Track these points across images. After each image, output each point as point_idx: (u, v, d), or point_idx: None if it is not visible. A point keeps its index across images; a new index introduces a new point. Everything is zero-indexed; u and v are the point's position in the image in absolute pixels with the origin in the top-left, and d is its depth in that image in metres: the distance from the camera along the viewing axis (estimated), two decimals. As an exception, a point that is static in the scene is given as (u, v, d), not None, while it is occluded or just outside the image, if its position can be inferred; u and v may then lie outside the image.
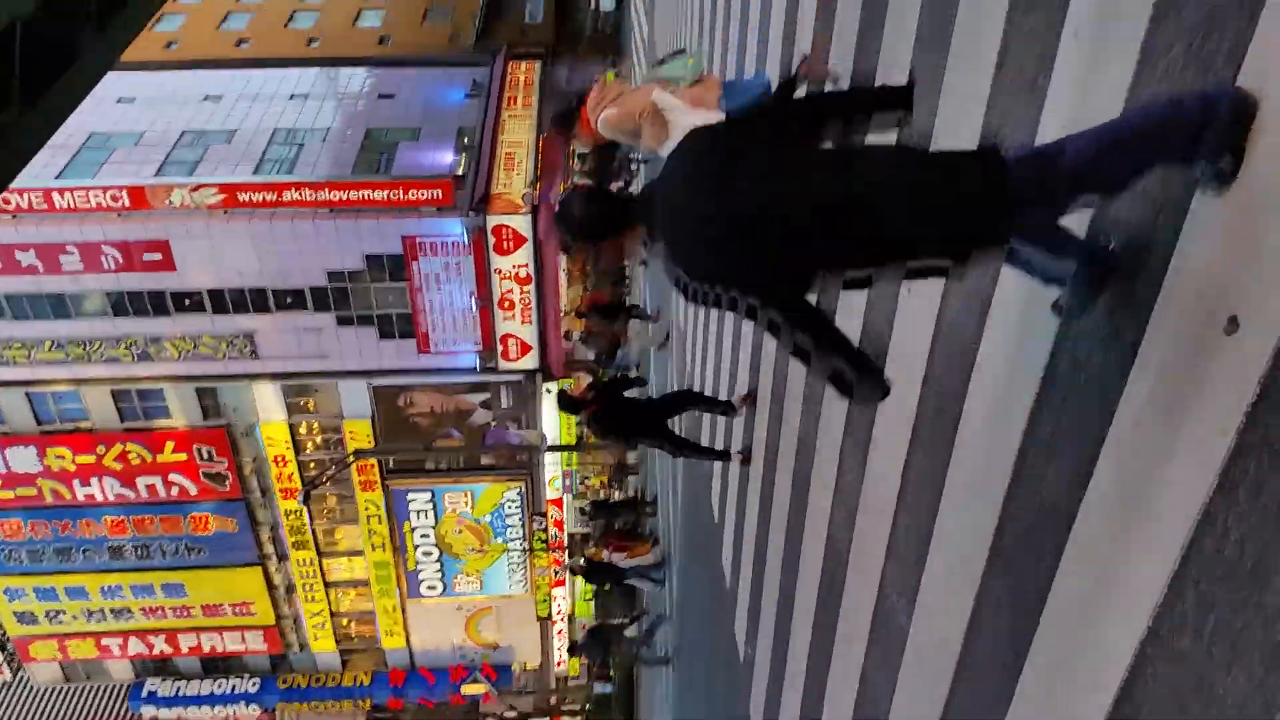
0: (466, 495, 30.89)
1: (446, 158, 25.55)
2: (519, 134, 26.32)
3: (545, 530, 31.63)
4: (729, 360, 8.00)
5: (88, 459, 28.07)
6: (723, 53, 8.44)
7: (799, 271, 2.25)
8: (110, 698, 35.14)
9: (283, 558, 31.39)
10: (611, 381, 9.12)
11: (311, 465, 28.82)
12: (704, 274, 2.32)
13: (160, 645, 33.43)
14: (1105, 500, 2.50)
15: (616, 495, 26.68)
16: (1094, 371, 2.59)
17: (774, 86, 4.51)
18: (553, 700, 36.15)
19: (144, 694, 34.23)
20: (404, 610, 33.25)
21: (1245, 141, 2.03)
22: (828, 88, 3.97)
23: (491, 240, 24.22)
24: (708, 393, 8.57)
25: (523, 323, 25.58)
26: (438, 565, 32.21)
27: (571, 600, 33.39)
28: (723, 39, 8.53)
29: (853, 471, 4.65)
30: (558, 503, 31.36)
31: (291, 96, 27.76)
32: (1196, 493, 2.12)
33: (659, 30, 16.26)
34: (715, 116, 3.88)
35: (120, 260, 24.13)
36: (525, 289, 25.08)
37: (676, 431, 8.08)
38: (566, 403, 8.19)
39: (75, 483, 28.52)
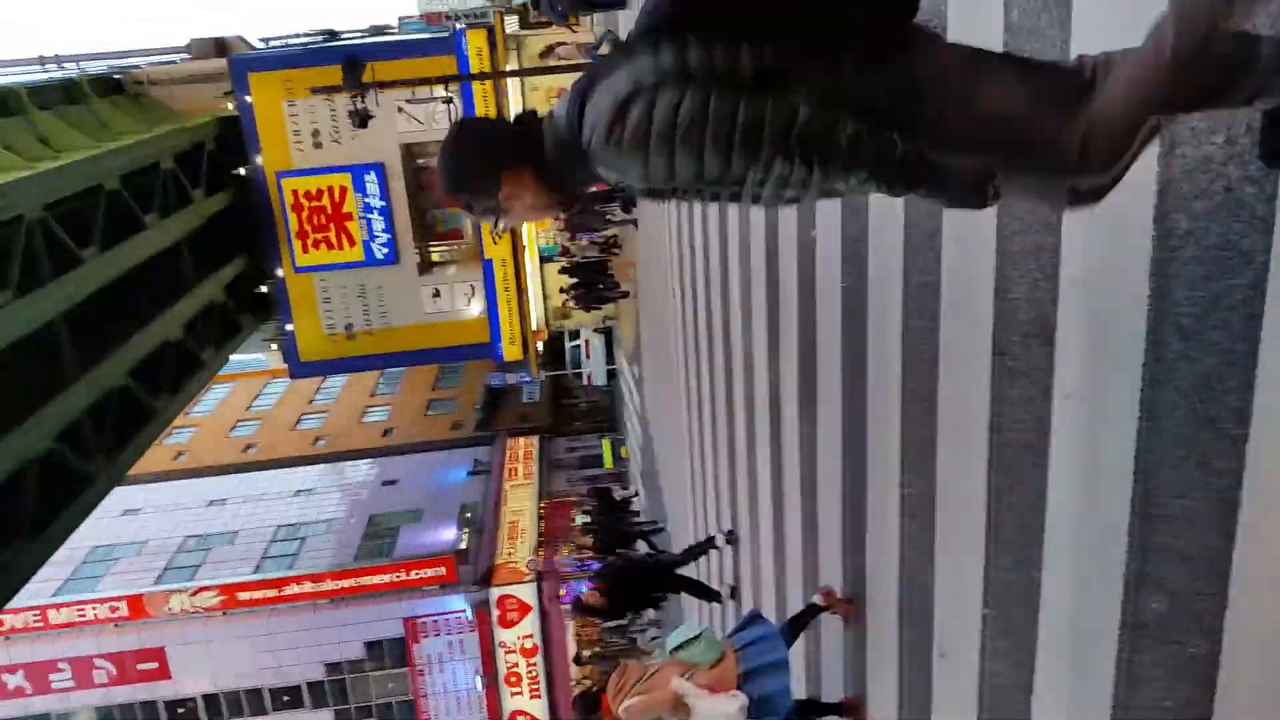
0: None
1: (449, 535, 25.64)
2: (521, 502, 26.67)
3: None
4: None
5: None
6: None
7: None
8: None
9: None
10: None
11: None
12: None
13: None
14: None
15: None
16: None
17: (785, 632, 5.03)
18: None
19: None
20: None
21: None
22: None
23: (496, 613, 23.63)
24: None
25: (531, 697, 24.24)
26: None
27: None
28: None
29: None
30: None
31: (296, 493, 28.46)
32: None
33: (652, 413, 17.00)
34: (738, 700, 4.27)
35: (114, 673, 23.43)
36: (532, 661, 24.05)
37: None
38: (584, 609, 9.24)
39: None
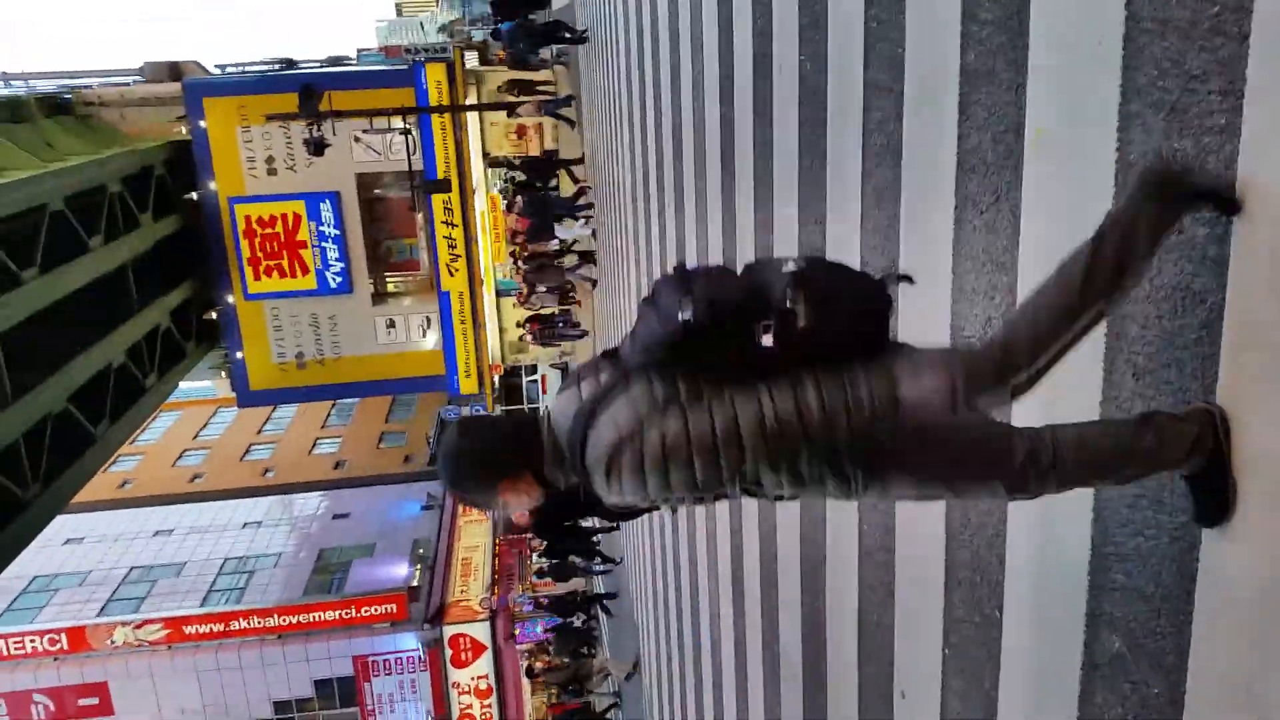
0: None
1: (401, 571, 25.18)
2: (475, 538, 26.30)
3: None
4: None
5: None
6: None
7: None
8: None
9: None
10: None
11: None
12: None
13: None
14: None
15: None
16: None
17: None
18: None
19: None
20: None
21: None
22: None
23: (449, 652, 23.18)
24: None
25: (485, 739, 23.76)
26: None
27: None
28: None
29: None
30: None
31: (244, 525, 27.79)
32: None
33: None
34: None
35: (52, 709, 22.61)
36: (486, 702, 23.62)
37: None
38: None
39: None
